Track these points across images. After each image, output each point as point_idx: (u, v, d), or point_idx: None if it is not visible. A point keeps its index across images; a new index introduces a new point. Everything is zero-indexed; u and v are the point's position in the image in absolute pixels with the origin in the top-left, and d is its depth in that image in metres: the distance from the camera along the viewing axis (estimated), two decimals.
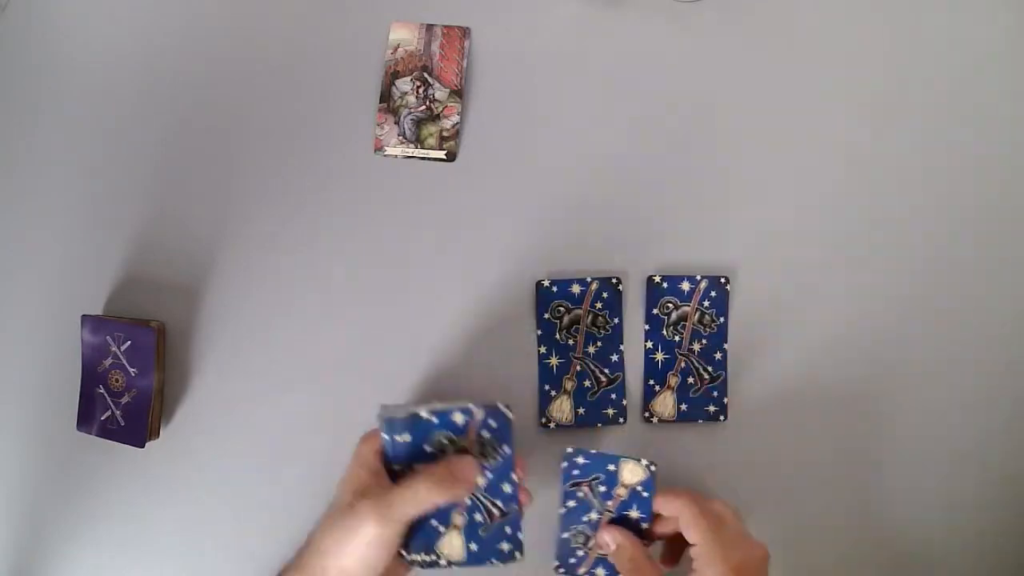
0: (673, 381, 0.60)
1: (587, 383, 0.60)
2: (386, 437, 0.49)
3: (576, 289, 0.60)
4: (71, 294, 0.62)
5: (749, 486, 0.60)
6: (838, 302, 0.61)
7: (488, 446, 0.51)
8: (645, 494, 0.52)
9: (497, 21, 0.63)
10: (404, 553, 0.50)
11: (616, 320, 0.60)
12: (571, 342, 0.60)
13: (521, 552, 0.52)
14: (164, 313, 0.61)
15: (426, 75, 0.63)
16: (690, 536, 0.49)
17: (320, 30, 0.64)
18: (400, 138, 0.62)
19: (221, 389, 0.61)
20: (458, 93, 0.62)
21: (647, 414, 0.60)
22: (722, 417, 0.60)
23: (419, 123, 0.62)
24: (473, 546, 0.51)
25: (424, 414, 0.49)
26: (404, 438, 0.49)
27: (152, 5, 0.65)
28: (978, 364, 0.60)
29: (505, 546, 0.51)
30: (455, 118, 0.62)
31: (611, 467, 0.52)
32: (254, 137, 0.63)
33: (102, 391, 0.59)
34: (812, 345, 0.60)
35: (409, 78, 0.63)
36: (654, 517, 0.52)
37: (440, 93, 0.62)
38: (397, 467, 0.50)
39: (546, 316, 0.60)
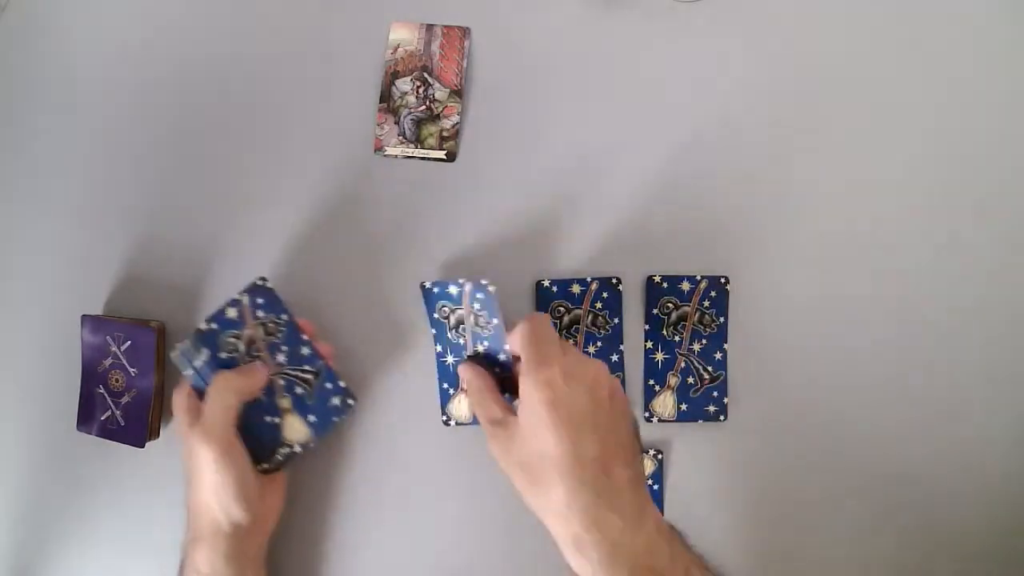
0: (673, 381, 0.60)
1: None
2: (188, 372, 0.51)
3: (576, 289, 0.60)
4: (71, 294, 0.62)
5: (749, 486, 0.60)
6: (838, 301, 0.61)
7: (270, 324, 0.53)
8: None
9: (497, 21, 0.63)
10: (257, 464, 0.51)
11: (616, 320, 0.60)
12: (571, 342, 0.60)
13: (353, 397, 0.53)
14: (164, 313, 0.61)
15: (426, 75, 0.63)
16: (515, 349, 0.46)
17: (320, 30, 0.64)
18: (400, 138, 0.62)
19: None
20: (458, 93, 0.62)
21: (647, 414, 0.60)
22: (722, 417, 0.60)
23: (419, 123, 0.62)
24: (311, 418, 0.51)
25: (203, 326, 0.51)
26: (203, 358, 0.51)
27: (152, 5, 0.65)
28: (979, 362, 0.60)
29: (336, 400, 0.52)
30: (455, 118, 0.62)
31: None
32: (254, 137, 0.63)
33: (102, 391, 0.59)
34: (812, 344, 0.60)
35: (409, 78, 0.63)
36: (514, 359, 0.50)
37: (440, 93, 0.62)
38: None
39: None
